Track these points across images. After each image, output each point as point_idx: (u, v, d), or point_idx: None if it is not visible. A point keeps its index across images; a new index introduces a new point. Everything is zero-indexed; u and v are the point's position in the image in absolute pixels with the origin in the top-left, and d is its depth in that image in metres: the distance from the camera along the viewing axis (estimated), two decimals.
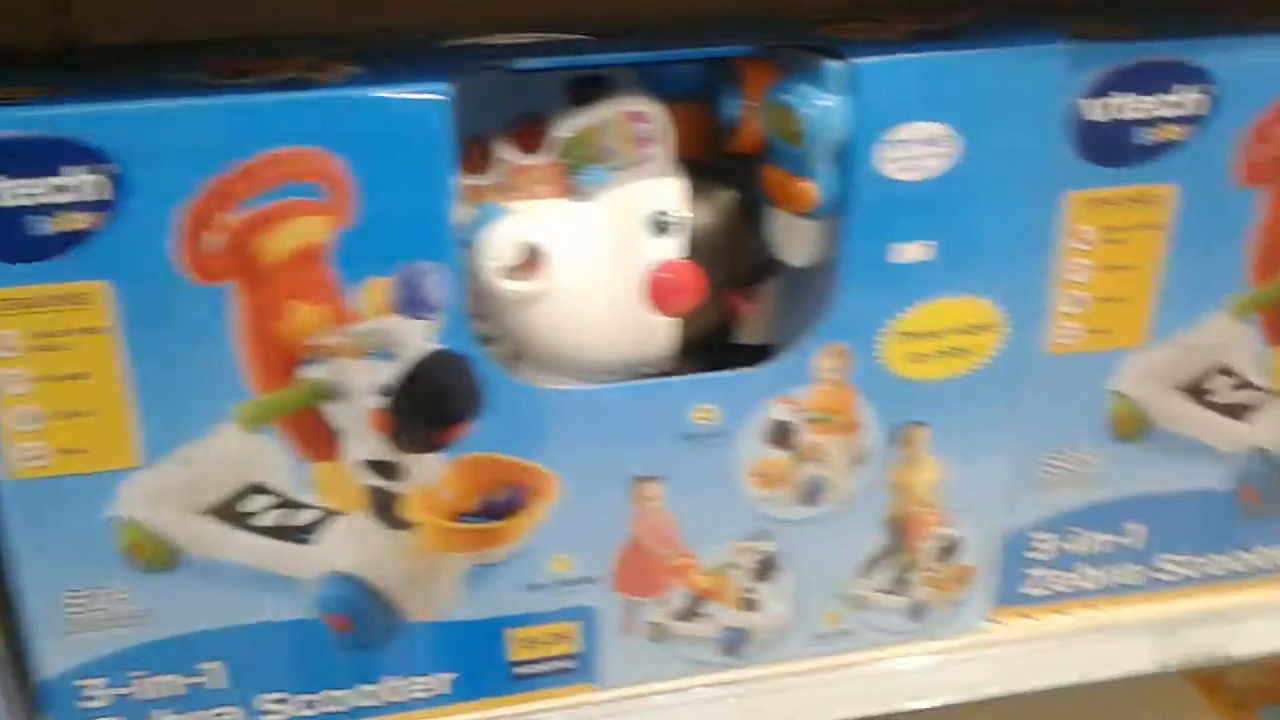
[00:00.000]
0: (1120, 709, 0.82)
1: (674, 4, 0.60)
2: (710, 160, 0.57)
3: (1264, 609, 0.68)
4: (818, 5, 0.58)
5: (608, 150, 0.52)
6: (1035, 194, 0.55)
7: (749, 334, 0.59)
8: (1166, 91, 0.55)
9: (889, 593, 0.63)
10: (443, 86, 0.47)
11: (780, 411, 0.56)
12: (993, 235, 0.55)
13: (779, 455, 0.57)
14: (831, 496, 0.59)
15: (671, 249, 0.53)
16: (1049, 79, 0.53)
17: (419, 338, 0.50)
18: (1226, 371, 0.62)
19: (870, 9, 0.58)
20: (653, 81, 0.55)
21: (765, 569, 0.60)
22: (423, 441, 0.52)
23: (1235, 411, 0.63)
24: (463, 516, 0.55)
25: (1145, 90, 0.54)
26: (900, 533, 0.61)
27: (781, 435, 0.57)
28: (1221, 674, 0.88)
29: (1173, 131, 0.55)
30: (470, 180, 0.52)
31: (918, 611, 0.64)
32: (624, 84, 0.53)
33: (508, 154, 0.53)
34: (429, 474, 0.53)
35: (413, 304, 0.49)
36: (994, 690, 0.65)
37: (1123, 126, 0.55)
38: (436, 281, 0.49)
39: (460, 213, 0.52)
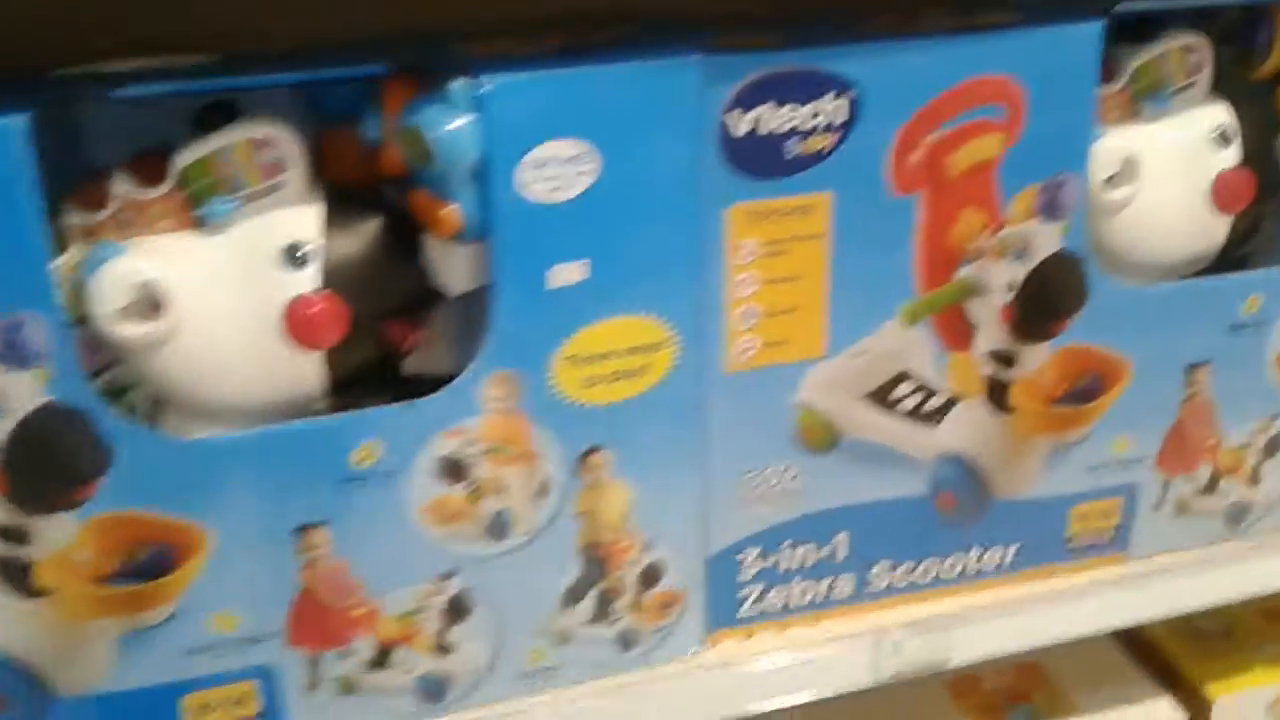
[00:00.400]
0: (872, 716, 0.82)
1: (326, 23, 0.59)
2: (368, 185, 0.55)
3: (977, 614, 0.69)
4: (468, 22, 0.56)
5: (232, 179, 0.49)
6: (691, 209, 0.55)
7: (421, 365, 0.57)
8: (809, 101, 0.55)
9: (594, 624, 0.61)
10: (17, 118, 0.44)
11: (449, 445, 0.54)
12: (651, 253, 0.54)
13: (454, 491, 0.55)
14: (519, 529, 0.57)
15: (308, 280, 0.50)
16: (688, 92, 0.53)
17: (26, 393, 0.47)
18: (908, 378, 0.63)
19: (522, 26, 0.57)
20: (307, 104, 0.53)
21: (457, 610, 0.58)
22: (45, 503, 0.48)
23: (922, 417, 0.64)
24: (106, 580, 0.51)
25: (788, 100, 0.55)
26: (597, 561, 0.60)
27: (454, 470, 0.55)
28: (977, 678, 0.89)
29: (820, 141, 0.56)
30: (85, 218, 0.49)
31: (627, 641, 0.62)
32: (257, 108, 0.51)
33: (126, 188, 0.50)
34: (61, 536, 0.50)
35: (10, 357, 0.46)
36: (713, 716, 0.64)
37: (770, 138, 0.55)
38: (36, 331, 0.46)
39: (73, 253, 0.48)
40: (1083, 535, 0.70)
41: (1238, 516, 0.73)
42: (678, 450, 0.59)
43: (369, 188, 0.55)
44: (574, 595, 0.60)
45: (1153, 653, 0.91)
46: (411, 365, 0.58)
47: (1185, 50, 0.65)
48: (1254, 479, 0.72)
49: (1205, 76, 0.66)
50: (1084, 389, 0.66)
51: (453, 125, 0.49)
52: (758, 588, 0.65)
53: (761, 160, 0.55)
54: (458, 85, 0.49)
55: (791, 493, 0.63)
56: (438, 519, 0.55)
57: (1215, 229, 0.66)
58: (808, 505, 0.64)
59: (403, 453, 0.53)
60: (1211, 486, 0.72)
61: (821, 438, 0.62)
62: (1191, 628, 0.93)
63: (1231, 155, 0.65)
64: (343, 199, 0.54)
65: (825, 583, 0.66)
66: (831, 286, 0.59)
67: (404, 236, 0.54)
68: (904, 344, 0.62)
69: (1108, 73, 0.64)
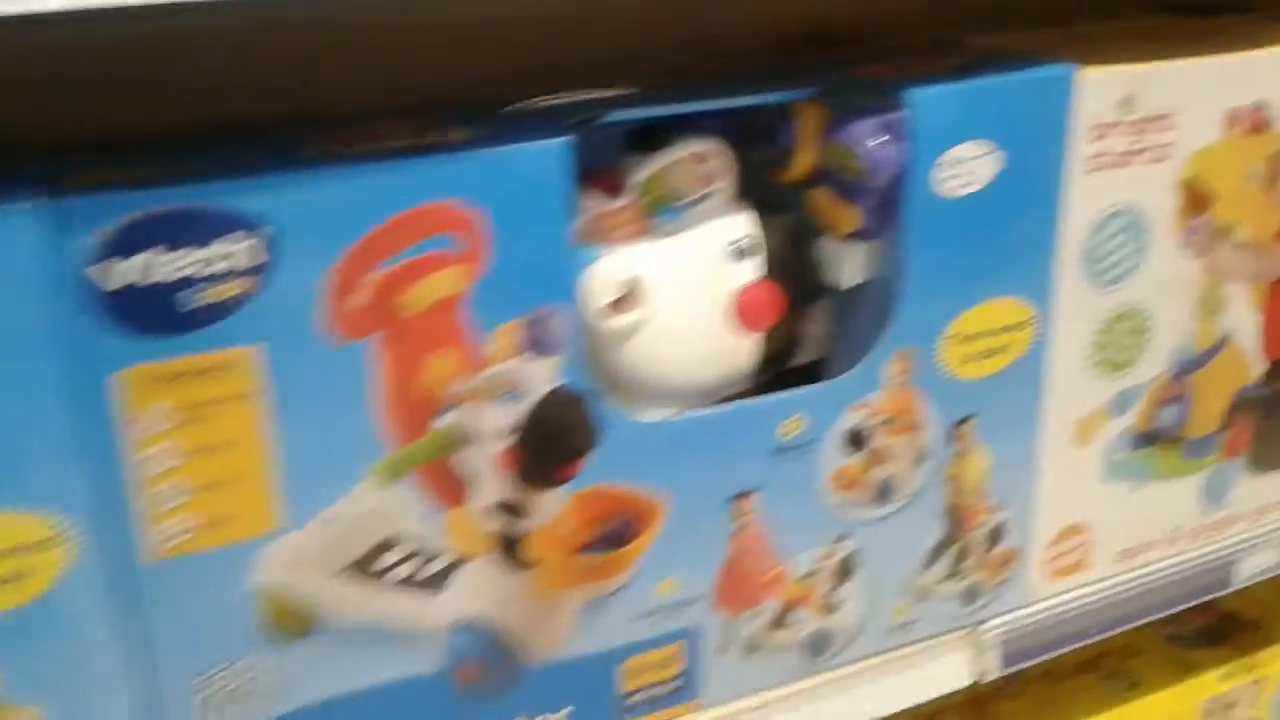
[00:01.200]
0: None
1: None
2: None
3: None
4: None
5: None
6: (60, 380, 0.45)
7: None
8: (208, 243, 0.46)
9: None
10: None
11: None
12: (4, 441, 0.44)
13: None
14: None
15: None
16: (21, 246, 0.43)
17: None
18: (396, 543, 0.54)
19: None
20: None
21: None
22: None
23: (419, 585, 0.55)
24: None
25: (180, 244, 0.46)
26: None
27: None
28: None
29: (230, 288, 0.47)
30: None
31: None
32: None
33: None
34: None
35: None
36: None
37: (161, 288, 0.46)
38: None
39: None
40: (642, 690, 0.63)
41: (819, 647, 0.68)
42: (84, 673, 0.48)
43: None
44: None
45: None
46: None
47: (697, 158, 0.59)
48: (829, 606, 0.67)
49: (725, 185, 0.61)
50: (614, 533, 0.59)
51: None
52: None
53: (153, 315, 0.46)
54: None
55: (265, 691, 0.53)
56: None
57: (743, 347, 0.61)
58: (286, 704, 0.54)
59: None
60: (781, 620, 0.66)
61: (293, 623, 0.53)
62: None
63: (750, 269, 0.60)
64: None
65: None
66: (279, 451, 0.50)
67: None
68: (384, 506, 0.53)
69: (616, 187, 0.58)
